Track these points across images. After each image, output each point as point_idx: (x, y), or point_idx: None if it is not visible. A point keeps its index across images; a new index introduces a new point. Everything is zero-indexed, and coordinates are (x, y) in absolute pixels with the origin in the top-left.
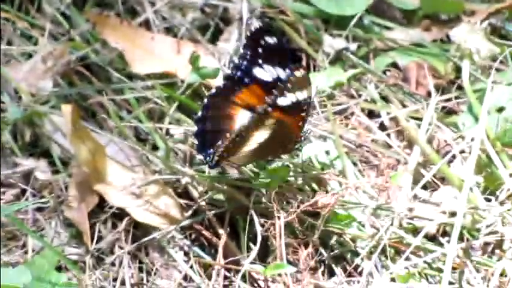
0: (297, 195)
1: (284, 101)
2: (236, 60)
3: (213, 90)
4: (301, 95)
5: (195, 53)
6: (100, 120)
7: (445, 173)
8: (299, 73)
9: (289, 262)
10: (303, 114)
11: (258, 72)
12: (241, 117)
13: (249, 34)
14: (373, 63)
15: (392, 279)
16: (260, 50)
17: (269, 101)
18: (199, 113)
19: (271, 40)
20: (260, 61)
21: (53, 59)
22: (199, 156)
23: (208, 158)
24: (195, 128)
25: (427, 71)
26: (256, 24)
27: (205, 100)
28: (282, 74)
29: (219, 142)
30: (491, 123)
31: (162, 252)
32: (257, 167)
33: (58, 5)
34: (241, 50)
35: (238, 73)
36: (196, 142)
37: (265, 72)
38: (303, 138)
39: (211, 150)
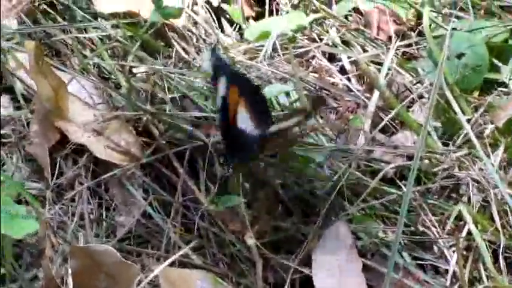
0: None
1: None
2: None
3: None
4: None
5: None
6: (63, 58)
7: (404, 117)
8: None
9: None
10: None
11: None
12: None
13: None
14: (336, 8)
15: (349, 221)
16: None
17: None
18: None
19: None
20: None
21: None
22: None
23: None
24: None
25: (388, 17)
26: None
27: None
28: None
29: None
30: (450, 69)
31: (121, 189)
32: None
33: None
34: None
35: None
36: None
37: None
38: None
39: None
